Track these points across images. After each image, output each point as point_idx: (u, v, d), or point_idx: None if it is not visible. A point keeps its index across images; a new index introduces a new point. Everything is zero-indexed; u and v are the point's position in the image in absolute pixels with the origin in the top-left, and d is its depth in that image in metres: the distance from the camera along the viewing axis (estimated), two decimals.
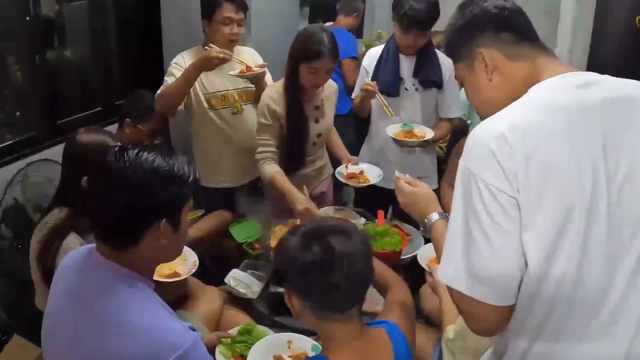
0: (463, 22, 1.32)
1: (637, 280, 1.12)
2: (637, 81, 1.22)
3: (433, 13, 2.59)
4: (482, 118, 1.27)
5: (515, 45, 1.25)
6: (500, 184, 1.08)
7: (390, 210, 2.77)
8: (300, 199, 2.34)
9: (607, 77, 1.21)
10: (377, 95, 2.68)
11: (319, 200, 2.70)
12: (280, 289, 2.04)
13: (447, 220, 1.36)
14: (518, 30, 1.26)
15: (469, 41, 1.29)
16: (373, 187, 2.63)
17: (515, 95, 1.20)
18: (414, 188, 1.61)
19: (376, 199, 2.57)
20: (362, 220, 2.47)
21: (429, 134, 2.69)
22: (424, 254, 2.10)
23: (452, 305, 1.61)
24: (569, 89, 1.15)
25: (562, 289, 1.10)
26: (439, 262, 1.28)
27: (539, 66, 1.23)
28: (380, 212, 2.37)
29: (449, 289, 1.18)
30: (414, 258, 2.16)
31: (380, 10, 4.75)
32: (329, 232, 1.30)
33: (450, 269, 1.16)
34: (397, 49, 2.77)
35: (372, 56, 2.88)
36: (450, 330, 1.57)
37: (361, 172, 2.67)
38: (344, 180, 2.63)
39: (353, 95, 2.95)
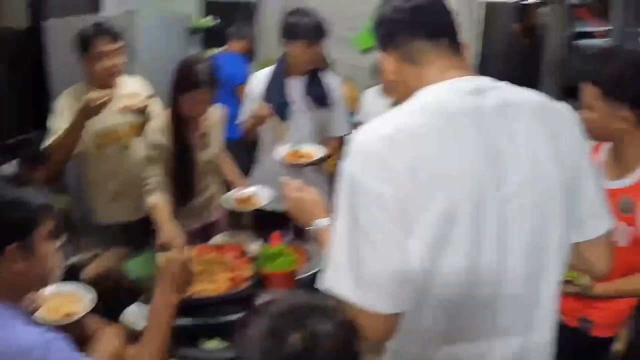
0: (373, 27, 1.31)
1: (529, 282, 1.18)
2: (530, 90, 1.25)
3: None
4: None
5: (409, 47, 1.22)
6: (386, 188, 1.06)
7: (290, 230, 2.83)
8: (165, 232, 2.35)
9: (500, 83, 1.22)
10: (270, 119, 2.73)
11: (213, 228, 2.71)
12: (182, 322, 2.05)
13: None
14: (415, 32, 1.22)
15: (379, 47, 1.29)
16: (271, 212, 2.66)
17: (409, 96, 1.19)
18: (301, 194, 1.56)
19: (274, 221, 2.61)
20: (258, 243, 2.51)
21: (318, 152, 2.74)
22: None
23: None
24: (459, 94, 1.15)
25: (451, 291, 1.12)
26: None
27: (430, 69, 1.21)
28: (274, 233, 2.41)
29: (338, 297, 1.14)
30: (314, 276, 2.21)
31: (272, 33, 4.83)
32: (307, 312, 1.03)
33: (334, 277, 1.13)
34: (285, 71, 2.84)
35: (258, 80, 2.92)
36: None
37: (252, 196, 2.70)
38: (232, 207, 2.65)
39: (240, 120, 2.96)
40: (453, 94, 1.16)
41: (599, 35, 4.54)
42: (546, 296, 1.23)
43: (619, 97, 1.72)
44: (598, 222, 1.29)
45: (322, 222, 1.45)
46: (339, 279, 1.12)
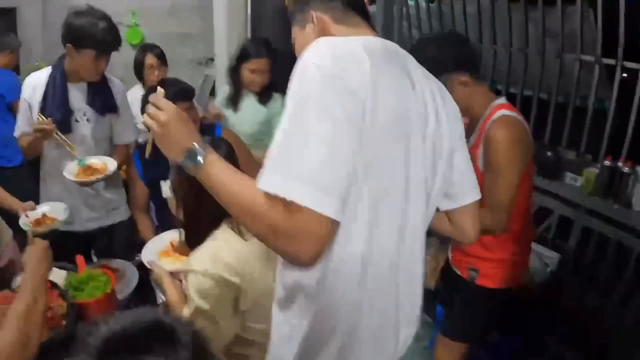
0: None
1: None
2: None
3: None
4: None
5: (344, 13, 1.33)
6: (361, 89, 1.08)
7: (92, 251, 2.64)
8: None
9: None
10: (54, 133, 2.44)
11: (8, 270, 2.42)
12: None
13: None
14: (347, 1, 1.34)
15: (305, 6, 1.36)
16: (67, 233, 2.46)
17: None
18: (169, 106, 1.25)
19: (74, 245, 2.41)
20: (63, 272, 2.30)
21: (110, 164, 2.56)
22: (149, 250, 2.07)
23: (179, 294, 1.58)
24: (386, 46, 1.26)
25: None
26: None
27: (359, 33, 1.30)
28: (79, 258, 2.23)
29: (269, 205, 1.03)
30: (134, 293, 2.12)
31: (35, 42, 4.44)
32: (142, 340, 0.79)
33: (279, 177, 1.02)
34: (65, 78, 2.53)
35: (33, 86, 2.56)
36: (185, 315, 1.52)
37: (45, 215, 2.46)
38: (32, 229, 2.37)
39: (17, 134, 2.61)
40: (381, 45, 1.26)
41: (366, 2, 4.82)
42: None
43: (450, 69, 1.93)
44: (467, 192, 1.44)
45: (200, 147, 1.18)
46: (282, 177, 1.02)
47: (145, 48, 3.54)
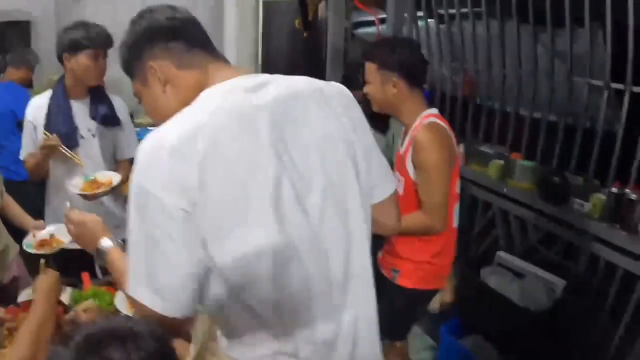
0: (134, 37, 1.28)
1: (341, 257, 1.23)
2: (307, 77, 1.29)
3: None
4: None
5: (186, 54, 1.24)
6: (176, 199, 1.06)
7: (97, 267, 2.64)
8: None
9: (278, 76, 1.25)
10: (61, 148, 2.50)
11: (13, 287, 2.43)
12: None
13: (120, 245, 1.45)
14: (189, 39, 1.25)
15: (140, 56, 1.26)
16: (71, 249, 2.44)
17: (188, 103, 1.19)
18: (80, 217, 1.60)
19: (79, 261, 2.41)
20: (69, 289, 2.31)
21: (115, 178, 2.58)
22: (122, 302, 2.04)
23: None
24: (238, 93, 1.17)
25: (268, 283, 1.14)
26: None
27: (209, 73, 1.23)
28: (85, 275, 2.26)
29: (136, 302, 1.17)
30: None
31: (48, 55, 4.48)
32: (111, 338, 1.05)
33: (134, 285, 1.15)
34: (66, 94, 2.60)
35: (36, 107, 2.64)
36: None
37: (52, 236, 2.48)
38: (35, 252, 2.42)
39: (22, 156, 2.68)
40: (233, 93, 1.17)
41: (376, 23, 4.86)
42: (358, 265, 1.27)
43: (389, 67, 2.19)
44: (385, 186, 1.40)
45: (106, 242, 1.48)
46: (138, 287, 1.15)
47: None
